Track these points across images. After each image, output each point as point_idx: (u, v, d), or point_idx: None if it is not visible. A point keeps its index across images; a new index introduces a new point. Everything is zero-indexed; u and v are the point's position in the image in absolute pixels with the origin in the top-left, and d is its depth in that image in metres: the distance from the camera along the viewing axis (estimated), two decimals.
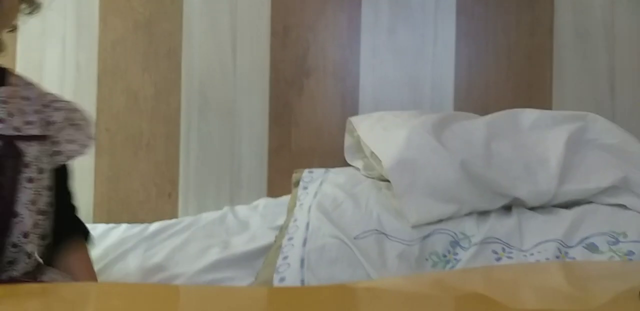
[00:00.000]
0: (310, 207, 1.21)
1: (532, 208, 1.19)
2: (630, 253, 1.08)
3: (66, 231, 0.96)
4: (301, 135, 1.59)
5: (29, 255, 0.85)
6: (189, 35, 1.62)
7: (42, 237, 0.87)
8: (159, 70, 1.63)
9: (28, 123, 0.89)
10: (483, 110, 1.42)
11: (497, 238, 1.11)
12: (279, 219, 1.29)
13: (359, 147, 1.42)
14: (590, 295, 0.46)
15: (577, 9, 1.55)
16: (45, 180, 0.88)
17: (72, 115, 0.97)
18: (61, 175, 0.96)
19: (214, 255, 1.17)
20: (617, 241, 1.10)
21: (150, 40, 1.62)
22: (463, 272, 0.73)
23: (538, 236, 1.10)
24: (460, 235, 1.12)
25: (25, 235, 0.83)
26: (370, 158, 1.32)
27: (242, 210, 1.41)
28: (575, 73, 1.56)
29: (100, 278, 1.10)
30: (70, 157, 0.95)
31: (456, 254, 1.10)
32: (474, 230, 1.12)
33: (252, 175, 1.60)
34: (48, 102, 0.95)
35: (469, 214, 1.16)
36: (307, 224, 1.15)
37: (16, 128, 0.87)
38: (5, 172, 0.83)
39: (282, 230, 1.21)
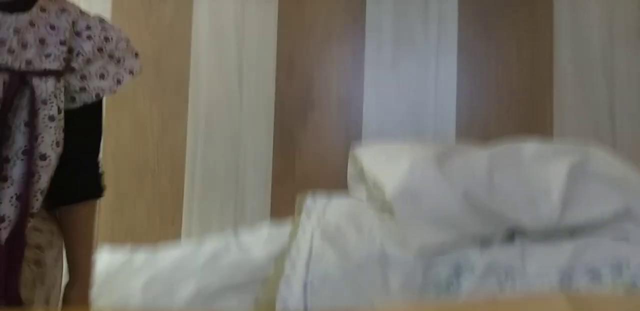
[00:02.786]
0: (312, 234, 1.21)
1: (534, 239, 1.18)
2: (634, 284, 1.08)
3: (80, 188, 0.89)
4: (305, 165, 1.61)
5: (42, 192, 0.80)
6: (196, 68, 1.65)
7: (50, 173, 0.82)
8: (166, 102, 1.66)
9: (46, 55, 0.80)
10: (485, 141, 1.43)
11: (500, 267, 1.10)
12: (280, 247, 1.29)
13: (361, 178, 1.43)
14: None
15: (576, 43, 1.59)
16: (62, 120, 0.81)
17: (106, 45, 0.86)
18: (86, 116, 0.87)
19: (214, 283, 1.16)
20: (620, 272, 1.10)
21: (158, 73, 1.65)
22: (467, 302, 0.73)
23: (541, 266, 1.10)
24: (464, 263, 1.12)
25: (32, 173, 0.78)
26: (373, 189, 1.33)
27: (245, 237, 1.40)
28: (575, 105, 1.58)
29: (98, 301, 1.09)
30: (99, 95, 0.86)
31: (459, 284, 1.09)
32: (477, 258, 1.12)
33: (255, 202, 1.60)
34: (81, 29, 0.85)
35: (472, 243, 1.16)
36: (310, 251, 1.15)
37: (28, 62, 0.78)
38: (20, 113, 0.77)
39: (284, 256, 1.21)
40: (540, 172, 1.24)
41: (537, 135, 1.42)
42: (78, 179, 0.89)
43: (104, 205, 1.57)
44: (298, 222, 1.32)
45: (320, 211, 1.33)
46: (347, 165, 1.52)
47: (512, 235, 1.19)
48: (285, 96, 1.64)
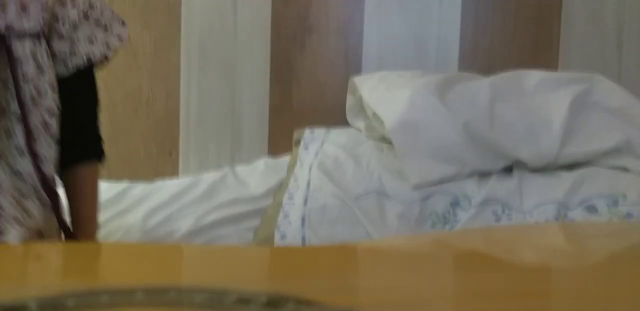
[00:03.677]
0: (311, 166, 1.22)
1: (533, 170, 1.19)
2: (629, 215, 1.09)
3: (80, 148, 0.90)
4: (303, 94, 1.58)
5: (42, 158, 0.81)
6: None
7: (54, 139, 0.82)
8: (158, 26, 1.60)
9: (26, 19, 0.79)
10: (488, 70, 1.40)
11: (497, 200, 1.12)
12: (278, 179, 1.29)
13: (361, 107, 1.41)
14: (588, 254, 0.46)
15: None
16: (48, 78, 0.81)
17: (92, 12, 0.86)
18: (82, 82, 0.88)
19: (212, 214, 1.18)
20: (616, 204, 1.11)
21: None
22: (463, 232, 0.74)
23: (538, 198, 1.12)
24: (461, 196, 1.13)
25: (34, 139, 0.79)
26: (373, 119, 1.32)
27: (242, 170, 1.41)
28: (583, 34, 1.53)
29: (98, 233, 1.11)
30: (90, 59, 0.86)
31: (456, 215, 1.11)
32: (475, 191, 1.13)
33: (252, 133, 1.59)
34: None
35: (470, 176, 1.17)
36: (308, 183, 1.15)
37: (8, 26, 0.77)
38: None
39: (282, 188, 1.22)
40: (542, 102, 1.22)
41: (542, 66, 1.39)
42: (79, 142, 0.90)
43: None
44: (296, 154, 1.31)
45: (319, 143, 1.33)
46: (345, 92, 1.49)
47: (511, 168, 1.19)
48: (282, 20, 1.58)
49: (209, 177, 1.35)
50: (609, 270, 0.42)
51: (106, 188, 1.36)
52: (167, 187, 1.33)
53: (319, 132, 1.41)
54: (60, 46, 0.84)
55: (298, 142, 1.38)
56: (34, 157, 0.81)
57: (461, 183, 1.15)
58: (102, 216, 1.20)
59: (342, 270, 0.45)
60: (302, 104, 1.58)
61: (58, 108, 0.83)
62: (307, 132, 1.41)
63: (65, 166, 0.89)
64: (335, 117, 1.50)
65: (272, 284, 0.41)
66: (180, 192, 1.28)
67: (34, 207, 0.81)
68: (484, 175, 1.17)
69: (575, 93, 1.22)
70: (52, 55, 0.84)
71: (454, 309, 0.34)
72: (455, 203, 1.12)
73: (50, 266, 0.49)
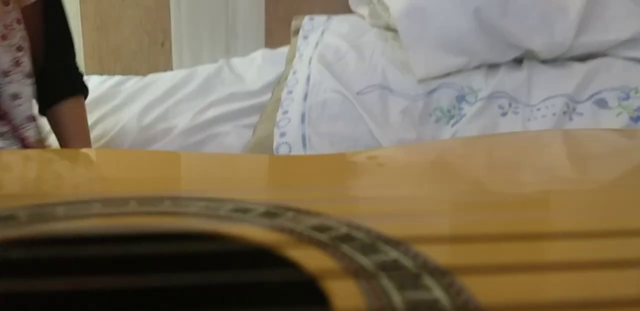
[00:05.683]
0: (310, 59, 1.16)
1: (544, 61, 1.14)
2: None
3: (62, 83, 0.89)
4: None
5: (14, 97, 0.80)
6: None
7: (26, 75, 0.81)
8: None
9: None
10: None
11: (505, 92, 1.08)
12: (277, 72, 1.24)
13: None
14: (590, 175, 0.44)
15: None
16: (13, 12, 0.78)
17: None
18: (50, 8, 0.86)
19: (209, 110, 1.15)
20: (627, 97, 1.08)
21: None
22: (465, 140, 0.72)
23: (547, 91, 1.08)
24: (467, 89, 1.09)
25: (5, 74, 0.77)
26: (377, 4, 1.24)
27: (238, 63, 1.35)
28: None
29: (93, 130, 1.09)
30: None
31: (461, 109, 1.08)
32: (482, 84, 1.09)
33: (248, 23, 1.51)
34: None
35: (478, 67, 1.12)
36: (308, 77, 1.11)
37: None
38: None
39: (281, 82, 1.18)
40: None
41: None
42: (58, 77, 0.87)
43: (87, 28, 1.48)
44: (294, 45, 1.25)
45: (319, 32, 1.26)
46: None
47: (521, 59, 1.14)
48: None
49: (204, 69, 1.30)
50: (611, 181, 0.41)
51: (99, 83, 1.32)
52: (161, 81, 1.29)
53: (319, 19, 1.33)
54: None
55: (297, 31, 1.32)
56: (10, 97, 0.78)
57: (468, 76, 1.10)
58: (97, 112, 1.18)
59: (342, 179, 0.43)
60: None
61: (26, 41, 0.79)
62: (306, 20, 1.33)
63: (49, 104, 0.87)
64: (337, 2, 1.42)
65: (271, 193, 0.40)
66: (175, 86, 1.24)
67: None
68: (492, 67, 1.13)
69: None
70: None
71: (456, 220, 0.33)
72: (461, 97, 1.09)
73: (41, 174, 0.47)
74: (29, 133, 0.83)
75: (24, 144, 0.82)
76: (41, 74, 0.84)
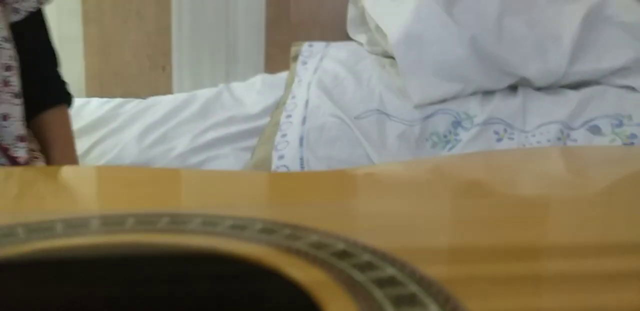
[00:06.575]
0: (309, 84, 1.18)
1: (539, 89, 1.16)
2: (633, 136, 1.08)
3: (45, 93, 0.87)
4: (301, 5, 1.51)
5: (3, 117, 0.78)
6: None
7: (16, 96, 0.78)
8: None
9: None
10: None
11: (500, 119, 1.10)
12: (275, 97, 1.26)
13: (363, 19, 1.35)
14: (589, 182, 0.45)
15: None
16: (1, 31, 0.77)
17: None
18: (34, 26, 0.85)
19: (209, 133, 1.16)
20: (621, 124, 1.09)
21: None
22: (462, 157, 0.73)
23: (541, 118, 1.09)
24: (463, 115, 1.11)
25: None
26: (375, 32, 1.26)
27: (238, 87, 1.37)
28: None
29: (92, 151, 1.10)
30: (41, 1, 0.83)
31: (457, 134, 1.09)
32: (478, 110, 1.11)
33: (248, 48, 1.53)
34: None
35: (474, 94, 1.14)
36: (307, 102, 1.12)
37: None
38: None
39: (280, 106, 1.19)
40: (553, 15, 1.17)
41: None
42: (41, 90, 0.86)
43: (89, 51, 1.50)
44: (294, 70, 1.27)
45: (318, 58, 1.28)
46: (346, 3, 1.42)
47: (516, 86, 1.16)
48: None
49: (204, 93, 1.32)
50: (608, 196, 0.42)
51: (99, 105, 1.33)
52: (161, 104, 1.30)
53: (318, 46, 1.35)
54: None
55: (296, 57, 1.34)
56: None
57: (464, 102, 1.12)
58: (97, 133, 1.19)
59: (339, 196, 0.44)
60: (300, 16, 1.51)
61: (16, 60, 0.78)
62: (305, 46, 1.35)
63: (32, 114, 0.85)
64: (336, 30, 1.44)
65: (268, 210, 0.40)
66: (175, 108, 1.25)
67: None
68: (487, 93, 1.14)
69: (590, 6, 1.16)
70: (1, 3, 0.78)
71: (451, 235, 0.34)
72: (457, 123, 1.10)
73: (40, 191, 0.48)
74: (19, 153, 0.82)
75: (14, 165, 0.81)
76: (24, 84, 0.82)
